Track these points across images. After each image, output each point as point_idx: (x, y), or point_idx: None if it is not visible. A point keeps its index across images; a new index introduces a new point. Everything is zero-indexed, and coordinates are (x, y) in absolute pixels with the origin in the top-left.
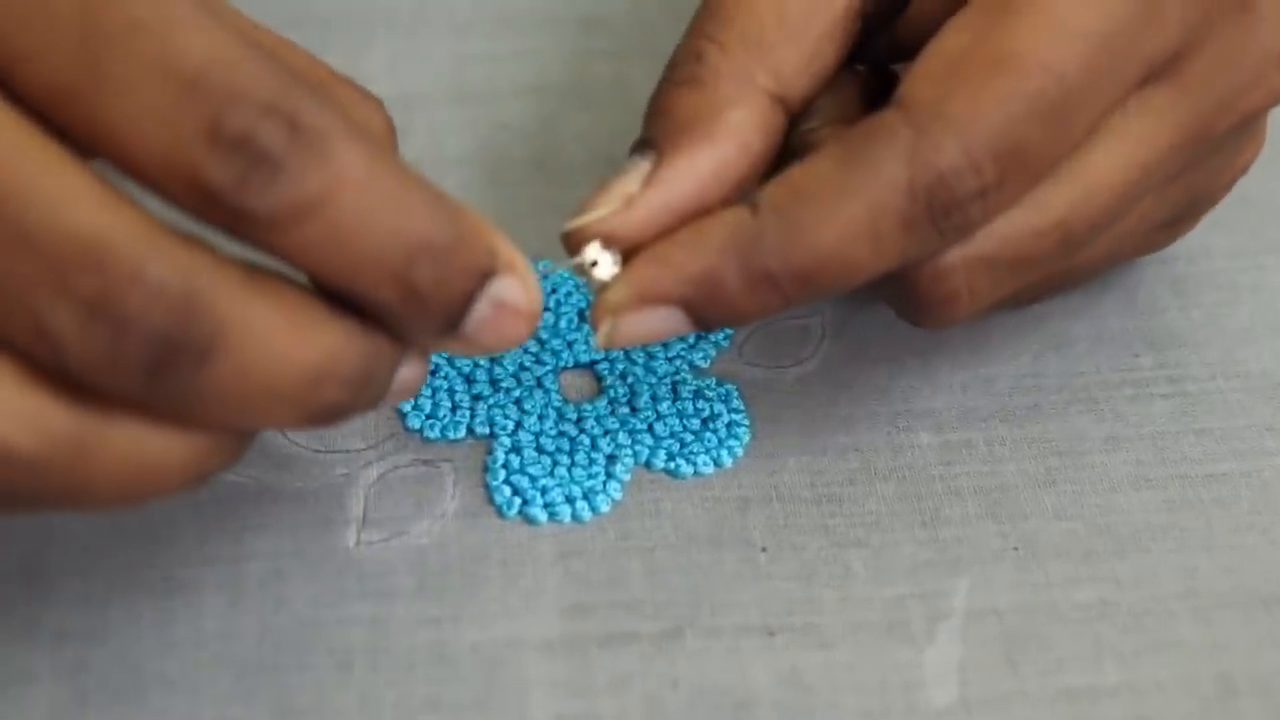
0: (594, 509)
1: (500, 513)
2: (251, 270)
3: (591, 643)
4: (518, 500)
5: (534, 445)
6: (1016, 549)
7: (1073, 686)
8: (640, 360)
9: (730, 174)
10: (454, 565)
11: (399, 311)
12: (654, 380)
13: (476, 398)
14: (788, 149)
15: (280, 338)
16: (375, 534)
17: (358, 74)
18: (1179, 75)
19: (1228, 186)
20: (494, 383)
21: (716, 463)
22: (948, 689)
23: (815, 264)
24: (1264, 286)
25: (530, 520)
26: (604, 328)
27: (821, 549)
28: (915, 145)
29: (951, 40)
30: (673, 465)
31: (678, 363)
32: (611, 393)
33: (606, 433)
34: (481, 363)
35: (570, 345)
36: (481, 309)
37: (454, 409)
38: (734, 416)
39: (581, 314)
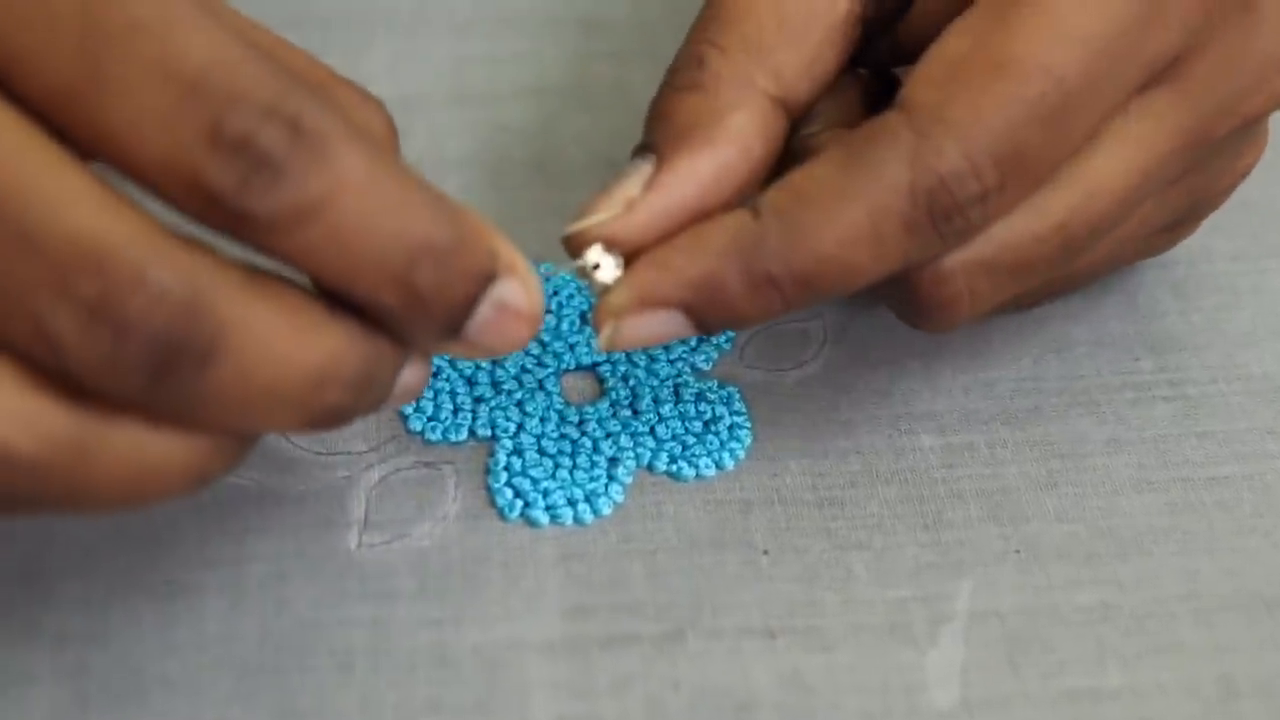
0: (596, 511)
1: (502, 515)
2: (253, 273)
3: (593, 644)
4: (519, 502)
5: (536, 447)
6: (1018, 551)
7: (1075, 688)
8: (642, 363)
9: (731, 178)
10: (455, 567)
11: (401, 314)
12: (656, 383)
13: (478, 400)
14: (789, 153)
15: (282, 340)
16: (377, 536)
17: (358, 75)
18: (1180, 79)
19: (1229, 190)
20: (496, 385)
21: (718, 465)
22: (950, 691)
23: (816, 267)
24: (1265, 290)
25: (532, 522)
26: (606, 330)
27: (823, 551)
28: (916, 149)
29: (953, 44)
30: (674, 468)
31: (679, 365)
32: (613, 395)
33: (608, 435)
34: (483, 365)
35: (572, 347)
36: (484, 311)
37: (456, 411)
38: (736, 419)
39: (583, 316)
